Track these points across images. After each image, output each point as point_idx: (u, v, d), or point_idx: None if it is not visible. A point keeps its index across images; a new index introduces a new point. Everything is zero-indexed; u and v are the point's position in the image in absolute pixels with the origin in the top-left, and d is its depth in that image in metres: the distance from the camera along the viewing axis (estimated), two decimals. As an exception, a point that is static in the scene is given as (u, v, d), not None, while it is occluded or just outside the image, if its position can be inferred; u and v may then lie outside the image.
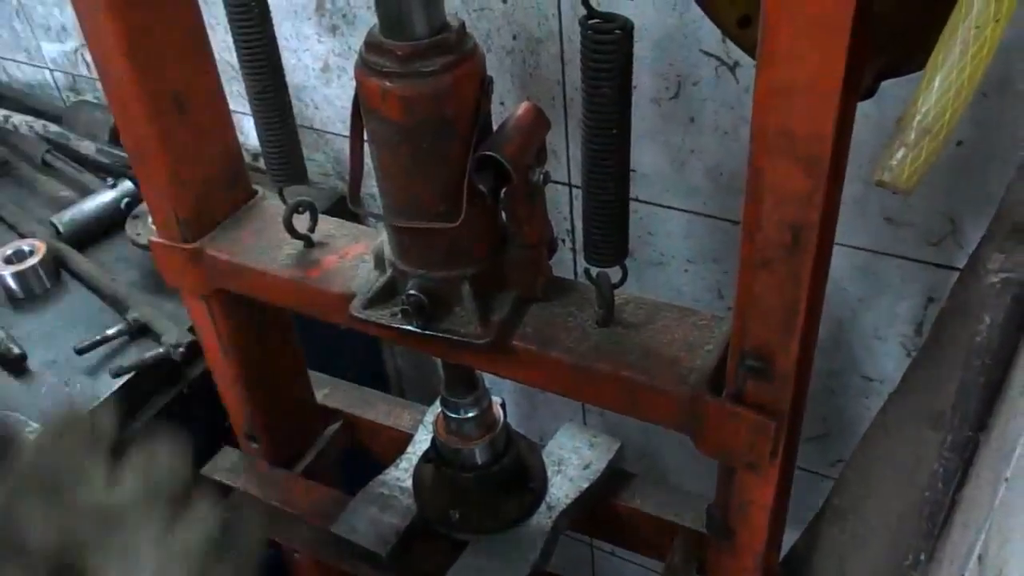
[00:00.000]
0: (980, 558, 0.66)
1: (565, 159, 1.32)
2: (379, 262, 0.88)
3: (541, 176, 0.77)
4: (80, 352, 1.31)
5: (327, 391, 1.33)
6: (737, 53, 1.10)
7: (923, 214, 1.12)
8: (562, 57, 1.23)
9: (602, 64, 0.70)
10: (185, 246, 1.00)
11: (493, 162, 0.75)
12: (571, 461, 1.13)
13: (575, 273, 1.45)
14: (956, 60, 0.52)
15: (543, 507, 1.08)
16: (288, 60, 1.47)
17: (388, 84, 0.72)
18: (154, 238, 1.03)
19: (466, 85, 0.74)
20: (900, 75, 0.68)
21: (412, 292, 0.82)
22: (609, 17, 0.69)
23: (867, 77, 0.66)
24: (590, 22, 0.69)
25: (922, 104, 0.53)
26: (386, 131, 0.75)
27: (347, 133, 1.53)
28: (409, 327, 0.84)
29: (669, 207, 1.29)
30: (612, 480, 1.14)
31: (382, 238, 0.90)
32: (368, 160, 0.83)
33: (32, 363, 1.33)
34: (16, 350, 1.32)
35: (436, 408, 1.21)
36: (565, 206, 1.38)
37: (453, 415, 1.03)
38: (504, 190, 0.77)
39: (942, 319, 0.86)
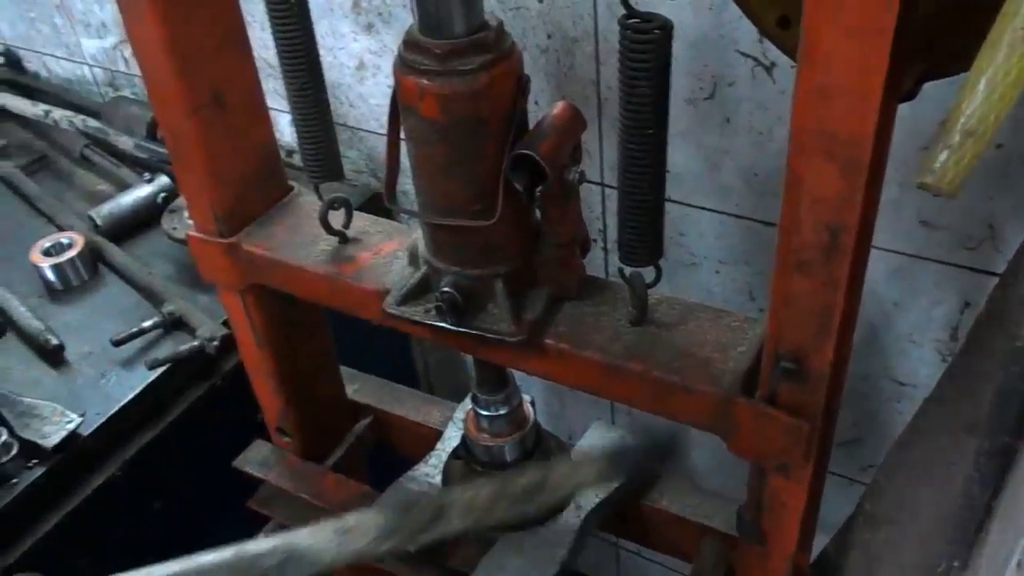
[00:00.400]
0: (1020, 564, 0.65)
1: (598, 158, 1.32)
2: (413, 259, 0.89)
3: (576, 175, 0.77)
4: (116, 344, 1.33)
5: (357, 386, 1.34)
6: (774, 54, 1.09)
7: (960, 217, 1.10)
8: (597, 56, 1.23)
9: (640, 64, 0.70)
10: (222, 241, 1.01)
11: (529, 161, 0.75)
12: (600, 460, 1.13)
13: (607, 272, 1.45)
14: (1002, 62, 0.52)
15: (572, 506, 1.08)
16: (324, 58, 1.48)
17: (426, 82, 0.73)
18: (192, 232, 1.04)
19: (503, 84, 0.74)
20: (942, 78, 0.68)
21: (446, 289, 0.82)
22: (648, 17, 0.69)
23: (908, 80, 0.66)
24: (629, 21, 0.69)
25: (966, 106, 0.52)
26: (423, 129, 0.76)
27: (381, 131, 1.55)
28: (443, 324, 0.84)
29: (702, 207, 1.28)
30: (641, 480, 1.13)
31: (416, 235, 0.90)
32: (403, 158, 0.83)
33: (69, 354, 1.35)
34: (54, 341, 1.34)
35: (466, 405, 1.21)
36: (597, 205, 1.38)
37: (484, 412, 1.03)
38: (539, 189, 0.77)
39: (979, 324, 0.85)
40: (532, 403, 1.09)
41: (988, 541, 0.81)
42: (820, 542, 1.00)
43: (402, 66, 0.75)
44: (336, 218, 0.99)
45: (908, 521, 0.92)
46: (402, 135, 0.81)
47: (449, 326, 0.84)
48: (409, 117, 0.77)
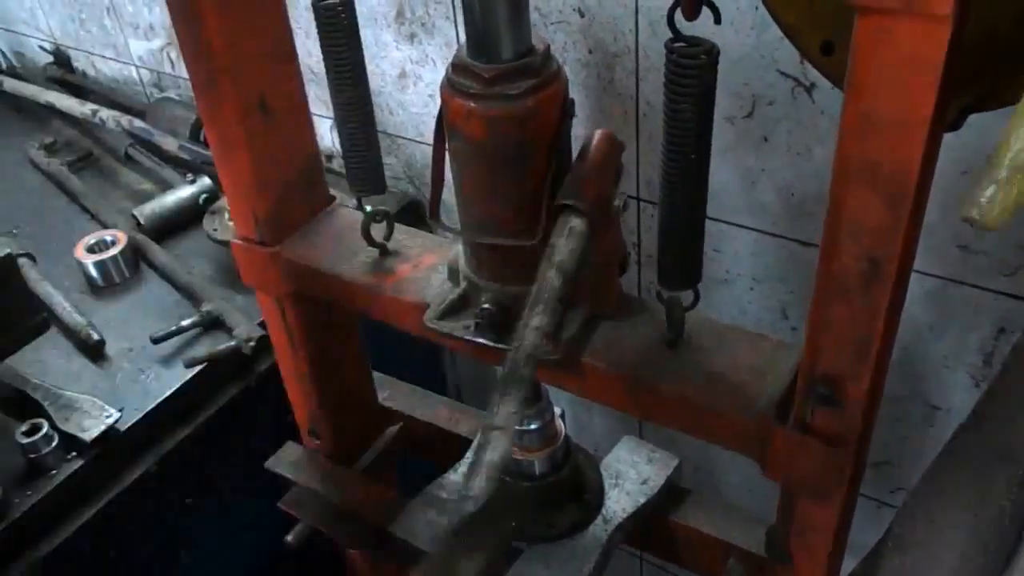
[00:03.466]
0: (1051, 600, 0.65)
1: (635, 174, 1.32)
2: (452, 274, 0.90)
3: (621, 204, 0.78)
4: (156, 341, 1.35)
5: (388, 392, 1.35)
6: (814, 74, 1.09)
7: (998, 243, 1.10)
8: (637, 72, 1.24)
9: (686, 89, 0.70)
10: (266, 249, 1.03)
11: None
12: (629, 475, 1.13)
13: (639, 286, 1.46)
14: (1051, 97, 0.52)
15: (599, 520, 1.09)
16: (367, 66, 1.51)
17: (472, 105, 0.74)
18: (235, 240, 1.06)
19: (548, 108, 0.75)
20: (988, 110, 0.68)
21: (486, 306, 0.83)
22: (695, 42, 0.70)
23: (953, 110, 0.66)
24: (675, 45, 0.70)
25: (1015, 141, 0.52)
26: (468, 149, 0.77)
27: (420, 139, 1.56)
28: (482, 340, 0.85)
29: (738, 225, 1.28)
30: (668, 496, 1.14)
31: (456, 250, 0.92)
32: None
33: (109, 349, 1.38)
34: (95, 336, 1.37)
35: (496, 415, 1.22)
36: (633, 220, 1.38)
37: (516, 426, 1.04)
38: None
39: (1017, 351, 0.84)
40: (562, 416, 1.09)
41: (1019, 569, 0.80)
42: (848, 565, 1.00)
43: (450, 88, 0.76)
44: (377, 230, 1.00)
45: (938, 546, 0.92)
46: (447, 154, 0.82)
47: (488, 342, 0.85)
48: (455, 138, 0.79)
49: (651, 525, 1.14)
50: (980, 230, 0.54)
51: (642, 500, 1.10)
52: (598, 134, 0.79)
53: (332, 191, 1.11)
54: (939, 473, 0.91)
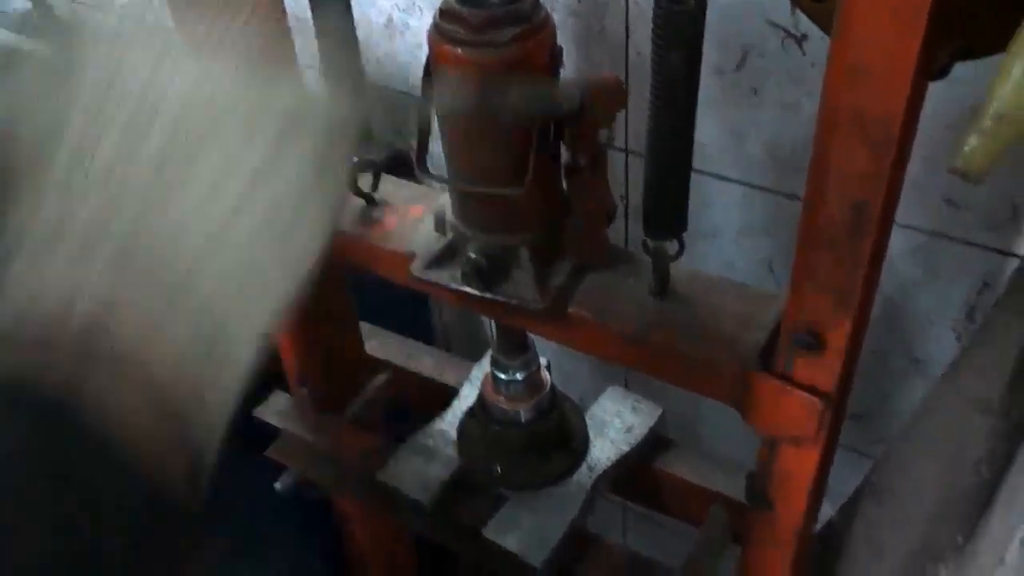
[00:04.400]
0: (1023, 542, 0.67)
1: (624, 125, 1.32)
2: (439, 224, 0.90)
3: (608, 137, 0.77)
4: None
5: (375, 342, 1.36)
6: (805, 25, 1.09)
7: (985, 197, 1.10)
8: (627, 22, 1.22)
9: (674, 36, 0.70)
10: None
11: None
12: (613, 424, 1.15)
13: (627, 238, 1.46)
14: (1038, 47, 0.52)
15: (584, 468, 1.11)
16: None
17: (459, 51, 0.73)
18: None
19: (537, 55, 0.75)
20: (975, 58, 0.67)
21: (472, 255, 0.83)
22: (683, -12, 0.69)
23: (940, 58, 0.66)
24: (663, -8, 0.69)
25: (999, 90, 0.52)
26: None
27: (407, 89, 1.54)
28: (468, 290, 0.86)
29: (725, 178, 1.28)
30: (652, 445, 1.15)
31: (443, 200, 0.91)
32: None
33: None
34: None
35: (482, 364, 1.23)
36: (621, 172, 1.38)
37: (502, 376, 1.05)
38: (567, 158, 0.78)
39: (998, 306, 0.85)
40: (548, 367, 1.10)
41: (993, 519, 0.82)
42: (827, 512, 1.02)
43: (436, 34, 0.75)
44: (363, 180, 1.00)
45: (914, 496, 0.94)
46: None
47: (474, 292, 0.86)
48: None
49: (635, 473, 1.16)
50: (964, 181, 0.54)
51: (626, 448, 1.12)
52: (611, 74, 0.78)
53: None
54: (917, 425, 0.93)
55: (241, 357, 0.50)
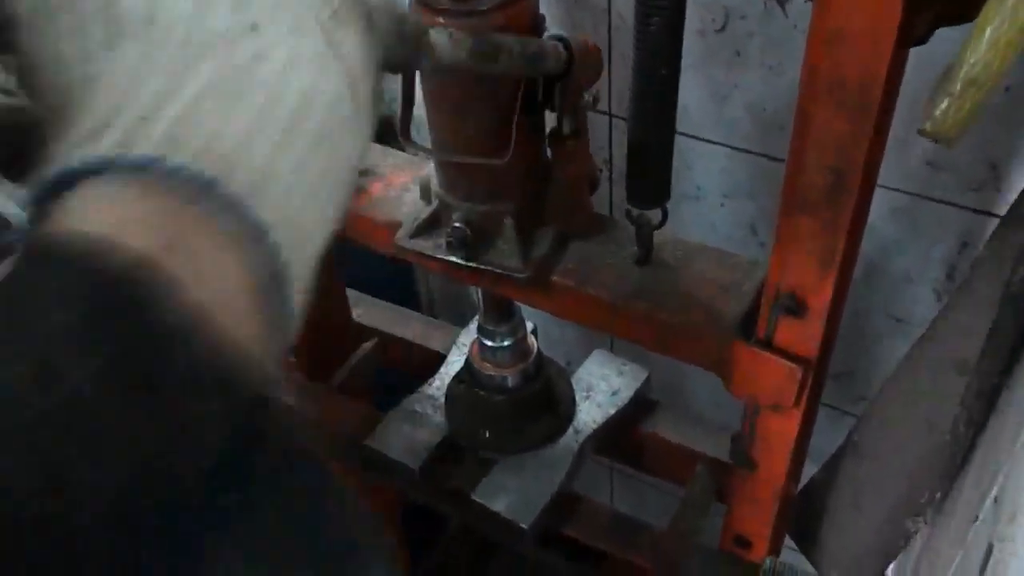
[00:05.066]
0: (996, 500, 0.69)
1: (607, 88, 1.31)
2: (424, 193, 0.90)
3: (591, 98, 0.77)
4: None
5: (362, 310, 1.36)
6: (788, -13, 1.08)
7: (966, 159, 1.11)
8: (609, -15, 1.22)
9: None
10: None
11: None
12: (600, 387, 1.16)
13: (611, 204, 1.46)
14: (1008, 12, 0.52)
15: (571, 430, 1.12)
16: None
17: (442, 20, 0.73)
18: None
19: (519, 23, 0.74)
20: (954, 24, 0.68)
21: (457, 224, 0.84)
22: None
23: (920, 25, 0.66)
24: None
25: (970, 55, 0.53)
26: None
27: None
28: (453, 258, 0.86)
29: (708, 141, 1.28)
30: (638, 407, 1.17)
31: (427, 169, 0.91)
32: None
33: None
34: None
35: (469, 330, 1.24)
36: (604, 137, 1.38)
37: (488, 343, 1.06)
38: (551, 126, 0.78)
39: (976, 266, 0.86)
40: (534, 332, 1.11)
41: (968, 477, 0.84)
42: (809, 470, 1.04)
43: (418, 3, 0.75)
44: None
45: (894, 453, 0.96)
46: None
47: (459, 260, 0.86)
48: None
49: (621, 436, 1.17)
50: (936, 143, 0.55)
51: (612, 411, 1.14)
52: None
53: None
54: (897, 383, 0.95)
55: (304, 275, 0.45)
